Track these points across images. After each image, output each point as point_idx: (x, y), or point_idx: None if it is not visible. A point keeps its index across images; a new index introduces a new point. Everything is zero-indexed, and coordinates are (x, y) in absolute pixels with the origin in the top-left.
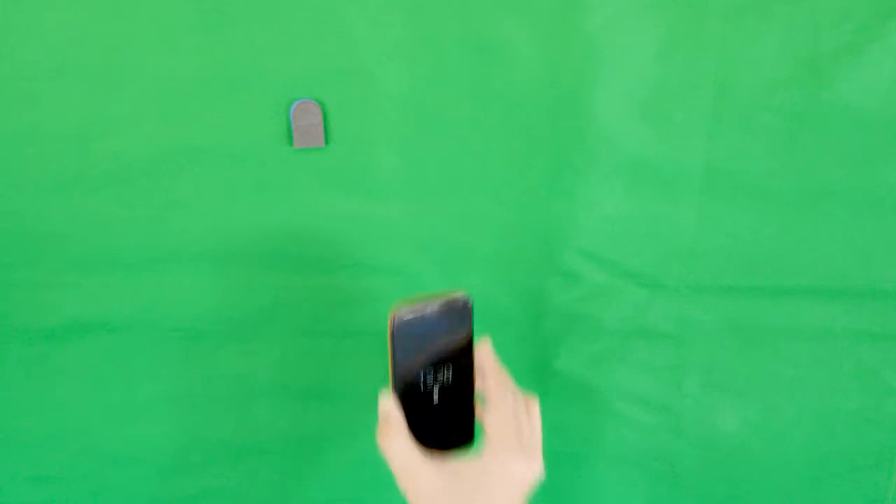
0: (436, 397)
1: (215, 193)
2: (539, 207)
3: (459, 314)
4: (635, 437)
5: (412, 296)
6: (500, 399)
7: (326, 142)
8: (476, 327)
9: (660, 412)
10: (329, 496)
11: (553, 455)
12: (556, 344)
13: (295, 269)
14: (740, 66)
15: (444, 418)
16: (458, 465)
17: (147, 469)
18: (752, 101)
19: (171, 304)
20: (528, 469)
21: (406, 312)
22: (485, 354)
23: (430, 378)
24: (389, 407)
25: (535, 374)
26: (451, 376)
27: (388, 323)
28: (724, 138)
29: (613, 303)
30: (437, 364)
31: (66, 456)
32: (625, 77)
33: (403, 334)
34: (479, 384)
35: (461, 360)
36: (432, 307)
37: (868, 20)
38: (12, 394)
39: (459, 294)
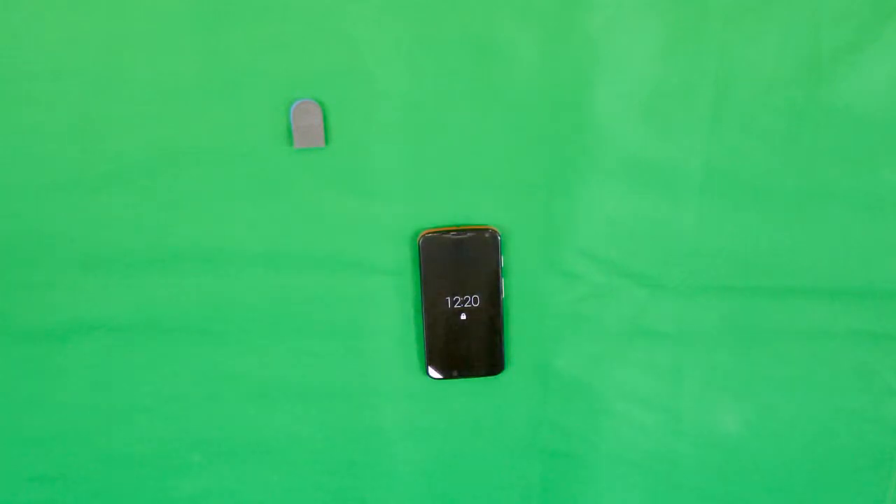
0: (463, 323)
1: (215, 193)
2: (539, 207)
3: (487, 245)
4: (635, 437)
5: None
6: None
7: (326, 142)
8: None
9: (660, 412)
10: (329, 496)
11: (553, 455)
12: (556, 344)
13: (295, 269)
14: (740, 66)
15: (472, 345)
16: None
17: (147, 469)
18: (752, 101)
19: (171, 304)
20: None
21: (433, 234)
22: None
23: (457, 303)
24: None
25: (535, 373)
26: (478, 304)
27: (417, 244)
28: (724, 138)
29: (613, 303)
30: (465, 290)
31: (66, 456)
32: (625, 77)
33: (430, 254)
34: None
35: (488, 290)
36: (459, 234)
37: (868, 20)
38: (12, 394)
39: (488, 227)
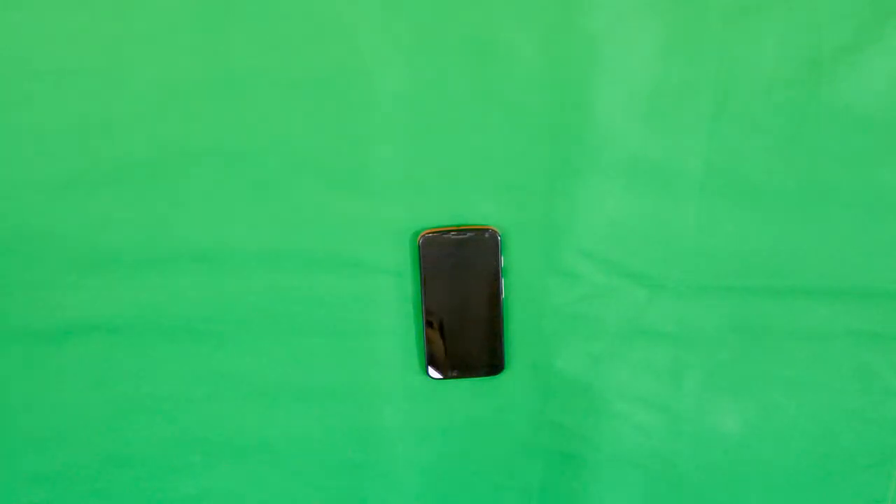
0: (463, 322)
1: (215, 193)
2: (539, 207)
3: (487, 245)
4: (635, 437)
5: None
6: None
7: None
8: None
9: (660, 412)
10: (330, 497)
11: (553, 455)
12: (556, 344)
13: (295, 268)
14: (740, 66)
15: (472, 345)
16: None
17: (147, 469)
18: (752, 101)
19: (171, 304)
20: None
21: (433, 234)
22: None
23: (456, 303)
24: None
25: (535, 374)
26: (478, 303)
27: (417, 244)
28: (724, 138)
29: (613, 303)
30: (465, 290)
31: (66, 456)
32: (625, 77)
33: (430, 254)
34: None
35: (488, 290)
36: (459, 234)
37: (868, 20)
38: (12, 394)
39: (488, 227)
